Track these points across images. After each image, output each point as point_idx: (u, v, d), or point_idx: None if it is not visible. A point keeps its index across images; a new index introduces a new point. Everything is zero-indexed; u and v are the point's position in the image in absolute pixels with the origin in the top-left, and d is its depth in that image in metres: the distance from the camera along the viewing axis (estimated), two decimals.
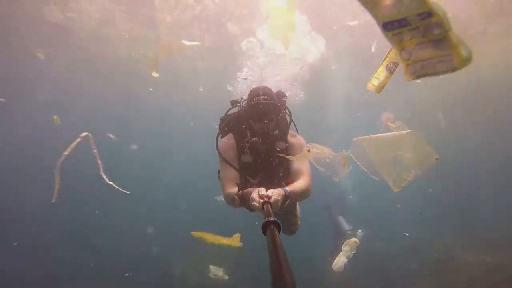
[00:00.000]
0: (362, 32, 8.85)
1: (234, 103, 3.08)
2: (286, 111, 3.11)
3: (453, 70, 1.26)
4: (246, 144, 2.65)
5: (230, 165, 2.70)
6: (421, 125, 15.86)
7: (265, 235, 1.05)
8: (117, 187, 3.50)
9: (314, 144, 4.97)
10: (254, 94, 2.67)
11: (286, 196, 2.14)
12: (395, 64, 2.57)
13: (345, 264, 6.50)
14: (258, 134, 2.63)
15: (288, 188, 2.24)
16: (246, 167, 2.76)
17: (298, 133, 3.11)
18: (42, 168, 15.97)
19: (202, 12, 8.43)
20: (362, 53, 9.04)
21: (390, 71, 2.55)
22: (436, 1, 1.29)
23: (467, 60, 1.22)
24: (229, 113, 3.13)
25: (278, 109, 2.68)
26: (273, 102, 2.63)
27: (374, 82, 2.55)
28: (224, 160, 2.71)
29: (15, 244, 11.47)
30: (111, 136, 12.49)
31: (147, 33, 9.54)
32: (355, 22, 8.66)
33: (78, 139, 3.17)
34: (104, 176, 3.36)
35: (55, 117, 10.96)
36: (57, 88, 14.13)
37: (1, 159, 14.97)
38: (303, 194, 2.47)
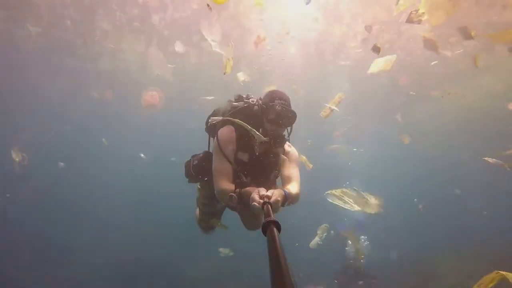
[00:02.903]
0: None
1: (240, 98, 2.80)
2: None
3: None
4: (256, 142, 2.42)
5: (227, 159, 2.45)
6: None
7: (265, 235, 1.01)
8: None
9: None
10: (275, 96, 2.47)
11: (286, 197, 2.04)
12: (335, 105, 5.39)
13: (318, 243, 8.11)
14: (269, 135, 2.41)
15: (286, 190, 2.12)
16: (240, 164, 2.50)
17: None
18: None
19: None
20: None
21: (331, 109, 5.36)
22: None
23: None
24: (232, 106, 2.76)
25: (295, 118, 2.50)
26: (294, 110, 2.46)
27: (323, 114, 5.33)
28: (222, 152, 2.45)
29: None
30: (142, 155, 14.90)
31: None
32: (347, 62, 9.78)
33: None
34: None
35: (104, 139, 13.72)
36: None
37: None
38: (295, 199, 2.32)
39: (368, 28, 6.99)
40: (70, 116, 15.95)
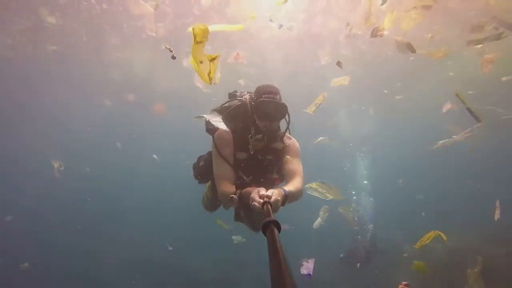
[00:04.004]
0: None
1: (232, 96, 2.67)
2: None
3: None
4: (250, 140, 2.34)
5: (226, 161, 2.36)
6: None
7: (265, 235, 0.99)
8: None
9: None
10: (264, 91, 2.34)
11: (286, 196, 1.97)
12: (319, 103, 6.18)
13: (320, 224, 8.56)
14: (262, 132, 2.32)
15: (286, 188, 2.04)
16: (240, 164, 2.41)
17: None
18: None
19: None
20: None
21: (316, 106, 6.15)
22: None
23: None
24: (225, 106, 2.62)
25: (286, 110, 2.35)
26: (283, 103, 2.31)
27: (309, 110, 6.11)
28: (220, 155, 2.36)
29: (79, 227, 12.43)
30: (155, 156, 15.35)
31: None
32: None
33: None
34: None
35: (118, 143, 14.71)
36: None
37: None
38: (298, 195, 2.22)
39: (348, 27, 7.71)
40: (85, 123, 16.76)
